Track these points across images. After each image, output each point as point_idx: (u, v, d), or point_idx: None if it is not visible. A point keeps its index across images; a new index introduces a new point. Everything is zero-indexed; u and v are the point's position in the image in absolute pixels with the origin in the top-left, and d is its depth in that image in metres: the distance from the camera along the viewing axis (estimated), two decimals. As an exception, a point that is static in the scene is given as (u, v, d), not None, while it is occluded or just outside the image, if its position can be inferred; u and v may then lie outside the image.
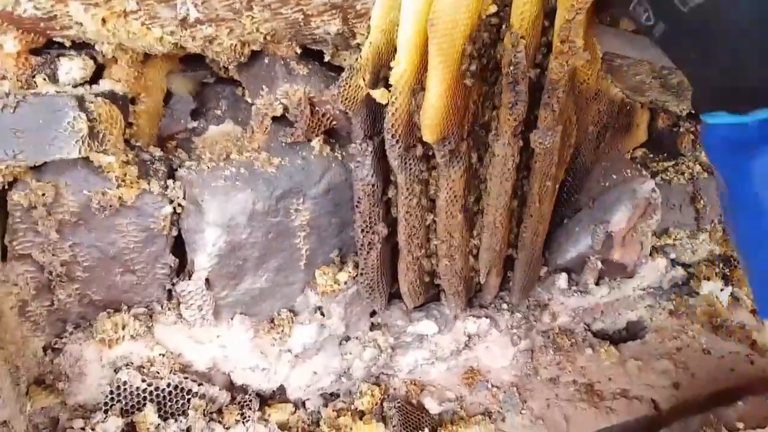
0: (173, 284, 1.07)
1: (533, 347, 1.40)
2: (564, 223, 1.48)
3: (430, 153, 1.04)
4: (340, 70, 1.10)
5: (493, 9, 0.93)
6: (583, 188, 1.45)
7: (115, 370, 1.06)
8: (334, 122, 1.09)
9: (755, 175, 0.62)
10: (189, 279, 1.04)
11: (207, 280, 1.04)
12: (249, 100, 1.11)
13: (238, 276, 1.07)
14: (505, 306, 1.42)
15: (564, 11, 0.91)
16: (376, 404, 1.20)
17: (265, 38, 0.99)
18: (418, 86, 0.92)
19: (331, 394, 1.25)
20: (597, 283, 1.49)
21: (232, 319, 1.10)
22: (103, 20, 0.87)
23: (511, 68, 0.96)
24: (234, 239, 1.02)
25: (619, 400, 1.28)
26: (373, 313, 1.25)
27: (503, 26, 0.97)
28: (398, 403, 1.18)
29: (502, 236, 1.20)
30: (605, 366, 1.37)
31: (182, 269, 1.08)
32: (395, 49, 0.90)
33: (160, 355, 1.07)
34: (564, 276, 1.47)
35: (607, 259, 1.45)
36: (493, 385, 1.30)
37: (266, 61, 1.07)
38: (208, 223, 0.99)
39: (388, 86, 0.92)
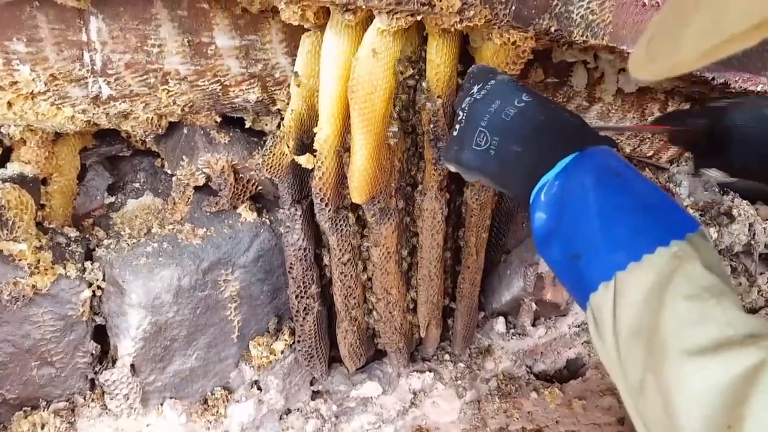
0: (96, 373, 0.99)
1: (479, 397, 1.39)
2: (496, 267, 1.51)
3: (360, 212, 1.04)
4: (261, 134, 1.10)
5: (410, 71, 0.96)
6: (509, 231, 1.48)
7: (33, 475, 0.96)
8: (260, 187, 1.07)
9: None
10: (113, 366, 0.97)
11: (132, 365, 0.97)
12: (169, 171, 1.08)
13: (166, 358, 1.01)
14: (447, 357, 1.41)
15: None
16: (324, 478, 1.15)
17: (182, 110, 0.97)
18: (342, 149, 0.92)
19: (275, 473, 1.18)
20: (534, 324, 1.51)
21: (161, 404, 1.03)
22: (9, 104, 0.83)
23: (431, 126, 0.98)
24: (159, 319, 0.97)
25: (568, 443, 1.28)
26: (313, 381, 1.20)
27: (419, 85, 1.00)
28: (347, 474, 1.13)
29: (438, 288, 1.20)
30: (551, 409, 1.37)
31: (105, 355, 1.01)
32: (317, 115, 0.90)
33: (84, 452, 0.98)
34: (501, 320, 1.49)
35: (540, 300, 1.47)
36: (442, 442, 1.27)
37: (185, 131, 1.04)
38: (131, 304, 0.94)
39: (312, 151, 0.92)
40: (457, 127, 0.78)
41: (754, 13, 0.36)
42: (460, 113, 0.79)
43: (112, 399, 0.97)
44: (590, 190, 0.60)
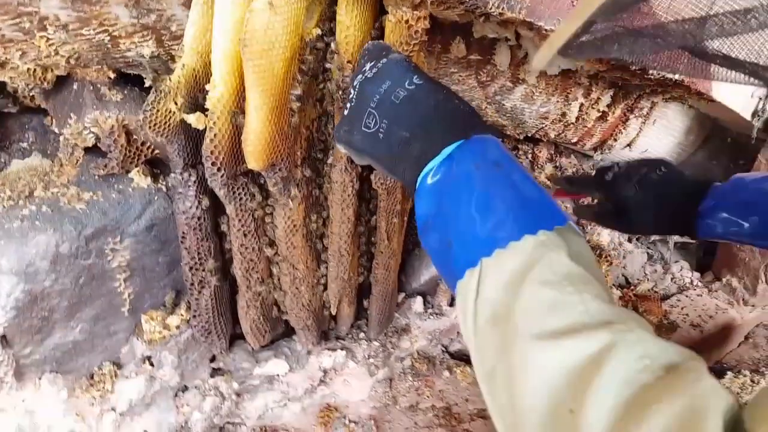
0: (-36, 345, 0.91)
1: (392, 375, 1.37)
2: (417, 247, 1.49)
3: (263, 181, 0.99)
4: (163, 96, 1.02)
5: (317, 32, 0.91)
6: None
7: None
8: (157, 151, 1.00)
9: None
10: (-18, 338, 0.89)
11: (4, 337, 0.89)
12: (56, 130, 1.00)
13: (45, 329, 0.93)
14: (362, 335, 1.38)
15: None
16: (222, 458, 1.10)
17: (68, 62, 0.89)
18: (239, 110, 0.86)
19: (169, 453, 1.13)
20: (451, 305, 1.50)
21: (39, 379, 0.95)
22: None
23: (340, 93, 0.94)
24: (35, 288, 0.89)
25: (476, 421, 1.28)
26: (213, 358, 1.15)
27: (329, 49, 0.95)
28: (246, 453, 1.09)
29: (349, 264, 1.17)
30: (462, 387, 1.37)
31: (-24, 327, 0.93)
32: (214, 72, 0.84)
33: (-52, 431, 0.90)
34: (419, 299, 1.48)
35: (459, 280, 1.47)
36: (350, 421, 1.25)
37: (75, 87, 0.96)
38: (1, 271, 0.86)
39: (204, 110, 0.86)
40: (348, 105, 0.75)
41: None
42: (352, 91, 0.75)
43: (-20, 373, 0.90)
44: (468, 179, 0.59)
